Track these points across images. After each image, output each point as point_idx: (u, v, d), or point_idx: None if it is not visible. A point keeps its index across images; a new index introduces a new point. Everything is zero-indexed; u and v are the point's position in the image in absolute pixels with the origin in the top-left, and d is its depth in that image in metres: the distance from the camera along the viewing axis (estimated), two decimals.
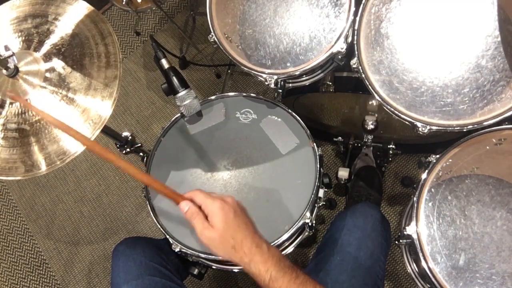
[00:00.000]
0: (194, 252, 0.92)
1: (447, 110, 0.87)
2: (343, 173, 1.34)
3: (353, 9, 0.94)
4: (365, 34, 0.94)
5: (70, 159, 0.81)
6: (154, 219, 0.97)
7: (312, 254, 1.51)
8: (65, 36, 0.88)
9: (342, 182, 1.36)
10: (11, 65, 0.83)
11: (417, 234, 0.83)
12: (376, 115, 1.17)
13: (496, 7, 0.84)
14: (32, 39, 0.89)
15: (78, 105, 0.83)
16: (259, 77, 1.01)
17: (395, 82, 0.91)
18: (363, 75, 0.92)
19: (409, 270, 0.97)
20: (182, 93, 0.96)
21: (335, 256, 0.93)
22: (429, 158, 0.90)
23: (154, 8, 1.61)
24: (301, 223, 0.91)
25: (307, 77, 1.08)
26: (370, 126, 1.16)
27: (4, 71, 0.83)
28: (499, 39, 0.84)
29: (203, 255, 0.92)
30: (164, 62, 0.97)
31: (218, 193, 0.78)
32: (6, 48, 0.83)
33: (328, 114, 1.43)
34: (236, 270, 0.99)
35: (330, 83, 1.11)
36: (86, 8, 0.90)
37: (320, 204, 0.98)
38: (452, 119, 0.86)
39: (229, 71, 1.83)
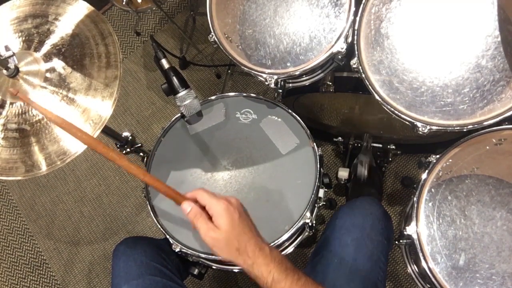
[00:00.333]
0: (194, 252, 0.92)
1: (447, 110, 0.87)
2: (343, 173, 1.34)
3: (353, 9, 0.94)
4: (365, 34, 0.94)
5: (71, 159, 0.81)
6: (154, 219, 0.97)
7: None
8: (65, 36, 0.88)
9: (342, 182, 1.36)
10: (11, 65, 0.83)
11: (417, 234, 0.83)
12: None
13: (496, 7, 0.84)
14: (33, 39, 0.89)
15: (79, 105, 0.83)
16: (259, 77, 1.01)
17: (395, 82, 0.91)
18: (363, 75, 0.92)
19: (409, 270, 0.97)
20: (182, 93, 0.96)
21: (332, 259, 0.90)
22: (429, 158, 0.90)
23: (154, 8, 1.61)
24: (301, 223, 0.91)
25: (307, 77, 1.08)
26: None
27: (4, 71, 0.83)
28: (499, 39, 0.84)
29: (203, 255, 0.92)
30: (164, 62, 0.97)
31: (218, 193, 0.78)
32: (7, 48, 0.83)
33: (328, 114, 1.43)
34: (236, 270, 0.99)
35: (330, 83, 1.11)
36: (86, 8, 0.90)
37: (320, 204, 0.98)
38: (452, 119, 0.86)
39: (229, 71, 1.84)
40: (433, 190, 0.87)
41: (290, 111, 1.04)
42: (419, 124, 0.87)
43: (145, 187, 1.02)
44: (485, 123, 0.84)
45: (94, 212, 1.81)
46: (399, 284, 1.46)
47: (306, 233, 0.98)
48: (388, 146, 1.35)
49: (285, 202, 0.94)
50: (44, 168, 0.82)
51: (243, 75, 1.87)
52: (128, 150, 1.12)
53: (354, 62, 0.94)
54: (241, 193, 0.98)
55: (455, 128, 0.86)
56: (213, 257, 0.92)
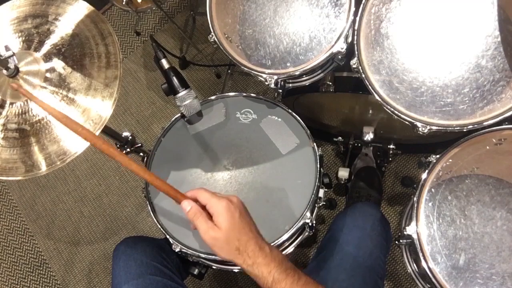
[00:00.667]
0: (194, 252, 0.92)
1: (447, 110, 0.87)
2: (343, 173, 1.34)
3: (353, 9, 0.94)
4: (365, 34, 0.94)
5: (71, 159, 0.80)
6: (154, 219, 0.97)
7: (312, 254, 1.52)
8: (65, 36, 0.88)
9: (342, 182, 1.36)
10: (11, 65, 0.83)
11: (417, 234, 0.83)
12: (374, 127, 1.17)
13: (496, 7, 0.84)
14: (32, 39, 0.89)
15: (79, 105, 0.83)
16: (259, 77, 1.01)
17: (395, 82, 0.91)
18: (363, 75, 0.92)
19: (409, 270, 0.97)
20: (182, 93, 0.96)
21: (335, 256, 0.94)
22: (429, 158, 0.90)
23: (154, 8, 1.61)
24: (301, 223, 0.91)
25: (307, 77, 1.08)
26: (368, 138, 1.18)
27: (4, 71, 0.83)
28: (499, 39, 0.84)
29: (203, 255, 0.92)
30: (164, 62, 0.97)
31: (219, 192, 0.78)
32: (7, 48, 0.83)
33: (328, 114, 1.43)
34: (236, 270, 0.99)
35: (330, 83, 1.11)
36: (86, 8, 0.90)
37: (320, 204, 0.98)
38: (452, 119, 0.86)
39: (229, 71, 1.83)
40: (433, 190, 0.87)
41: (290, 111, 1.04)
42: (419, 124, 0.87)
43: (145, 187, 1.02)
44: (485, 123, 0.84)
45: (94, 212, 1.81)
46: (399, 284, 1.46)
47: (306, 233, 0.98)
48: (388, 146, 1.35)
49: (285, 202, 0.94)
50: (44, 168, 0.82)
51: (243, 75, 1.87)
52: (128, 150, 1.12)
53: (354, 62, 0.94)
54: (241, 193, 0.98)
55: (455, 128, 0.86)
56: (213, 257, 0.92)
